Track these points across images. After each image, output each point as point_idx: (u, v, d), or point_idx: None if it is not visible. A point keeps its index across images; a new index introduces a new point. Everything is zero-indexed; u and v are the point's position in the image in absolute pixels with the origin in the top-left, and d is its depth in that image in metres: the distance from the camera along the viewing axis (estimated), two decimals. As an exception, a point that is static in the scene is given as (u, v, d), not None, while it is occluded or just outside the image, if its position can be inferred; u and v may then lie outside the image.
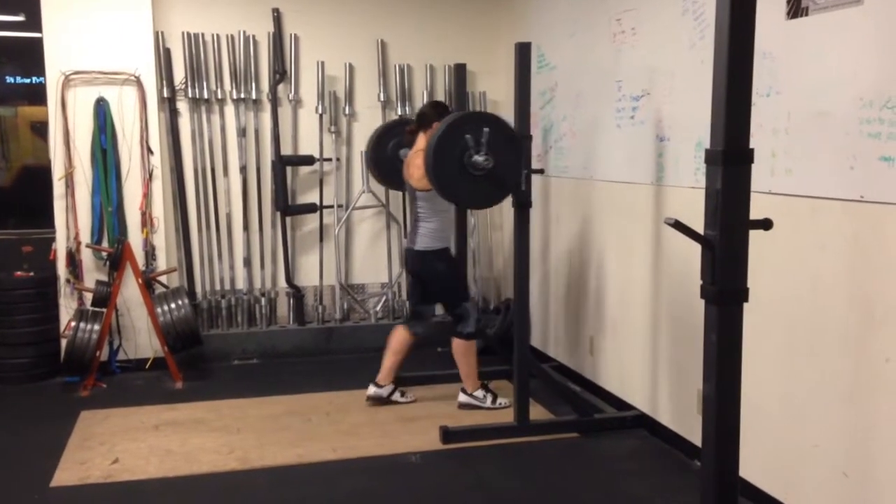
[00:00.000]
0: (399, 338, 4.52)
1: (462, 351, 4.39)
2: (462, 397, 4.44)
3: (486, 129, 3.72)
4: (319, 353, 5.64)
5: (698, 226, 2.16)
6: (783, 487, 3.11)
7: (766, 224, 2.10)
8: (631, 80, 4.13)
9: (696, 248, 2.24)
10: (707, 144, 3.42)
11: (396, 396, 4.54)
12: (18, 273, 5.07)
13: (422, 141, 4.18)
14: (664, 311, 3.93)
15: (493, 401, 4.42)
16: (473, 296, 4.49)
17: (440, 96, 5.84)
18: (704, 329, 2.13)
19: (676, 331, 3.83)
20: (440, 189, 3.89)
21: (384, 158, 4.83)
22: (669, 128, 3.80)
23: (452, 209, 4.45)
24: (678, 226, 2.10)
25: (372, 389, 4.50)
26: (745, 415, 2.28)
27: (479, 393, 4.43)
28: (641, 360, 4.14)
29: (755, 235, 2.13)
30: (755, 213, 2.19)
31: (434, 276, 4.35)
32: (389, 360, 4.51)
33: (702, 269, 2.10)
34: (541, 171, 4.81)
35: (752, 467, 3.14)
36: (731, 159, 2.02)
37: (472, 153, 3.73)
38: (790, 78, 2.98)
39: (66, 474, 3.63)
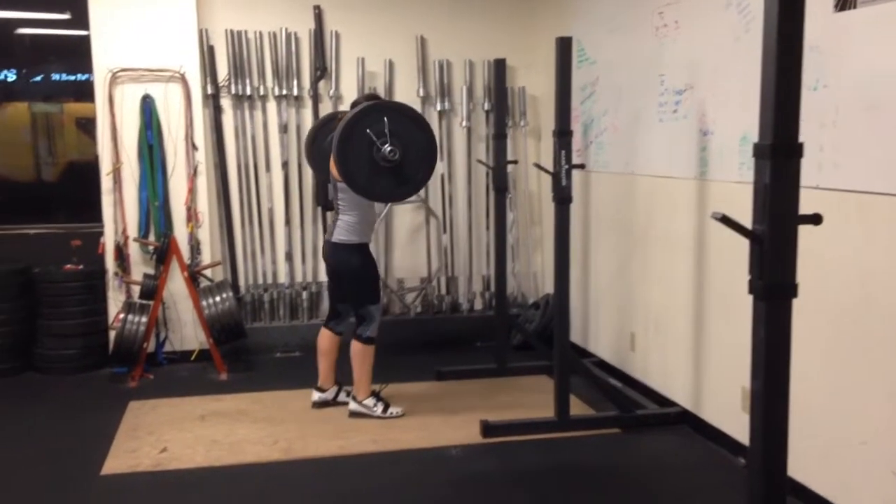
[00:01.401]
0: (325, 339, 4.38)
1: (360, 355, 4.20)
2: (352, 405, 4.26)
3: (385, 119, 3.67)
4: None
5: (743, 221, 2.14)
6: (830, 485, 3.08)
7: (815, 219, 2.08)
8: (674, 74, 4.10)
9: (741, 244, 2.23)
10: (752, 138, 3.42)
11: (342, 397, 4.40)
12: (68, 266, 5.20)
13: None
14: (708, 306, 3.90)
15: (385, 409, 4.23)
16: (384, 302, 4.27)
17: (479, 91, 5.85)
18: (752, 325, 2.11)
19: (721, 326, 3.80)
20: (357, 189, 3.85)
21: (321, 151, 4.47)
22: (713, 122, 3.77)
23: (374, 205, 4.28)
24: (725, 220, 2.08)
25: (316, 395, 4.40)
26: (792, 411, 2.25)
27: (370, 401, 4.23)
28: (685, 355, 4.11)
29: (802, 230, 2.11)
30: (801, 208, 2.16)
31: (346, 270, 4.16)
32: (323, 364, 4.38)
33: (750, 265, 2.08)
34: (581, 167, 4.80)
35: (799, 465, 3.10)
36: (780, 153, 2.01)
37: (378, 146, 3.69)
38: (838, 71, 2.94)
39: (116, 462, 3.72)
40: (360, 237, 4.14)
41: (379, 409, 4.23)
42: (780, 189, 2.02)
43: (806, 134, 2.04)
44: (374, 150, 3.73)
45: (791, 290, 2.07)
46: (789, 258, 2.05)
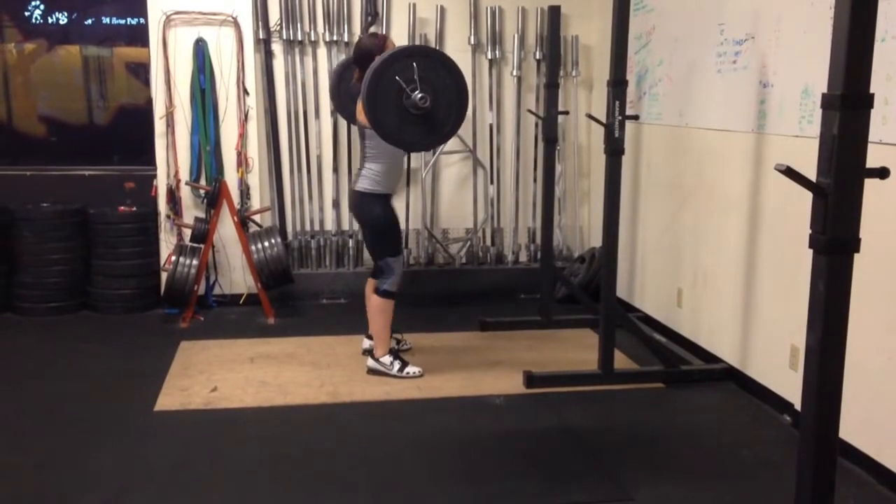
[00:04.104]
0: (371, 289, 4.24)
1: (377, 308, 4.09)
2: (369, 361, 4.17)
3: (413, 64, 3.52)
4: (404, 295, 5.67)
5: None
6: (877, 446, 3.04)
7: (882, 172, 2.01)
8: (734, 24, 3.98)
9: (797, 199, 2.18)
10: (814, 91, 3.33)
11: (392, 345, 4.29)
12: (122, 208, 5.30)
13: None
14: (759, 262, 3.84)
15: (401, 368, 4.11)
16: (404, 256, 4.04)
17: (531, 40, 5.76)
18: (811, 279, 2.07)
19: (771, 283, 3.74)
20: (387, 138, 3.70)
21: (348, 93, 4.39)
22: (774, 73, 3.66)
23: (402, 154, 4.13)
24: (789, 172, 2.03)
25: (367, 343, 4.38)
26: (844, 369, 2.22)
27: (387, 359, 4.11)
28: (732, 312, 4.07)
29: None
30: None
31: (368, 219, 4.04)
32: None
33: (812, 219, 2.03)
34: (635, 118, 4.72)
35: (846, 424, 3.07)
36: (849, 103, 1.94)
37: (408, 93, 3.56)
38: (912, 21, 2.82)
39: (168, 399, 3.83)
40: (385, 188, 4.01)
41: (396, 367, 4.12)
42: (848, 141, 1.96)
43: (871, 87, 1.97)
44: (404, 97, 3.59)
45: (854, 244, 2.02)
46: (854, 212, 1.99)
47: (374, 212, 4.01)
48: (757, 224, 3.84)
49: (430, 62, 3.65)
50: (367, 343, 4.43)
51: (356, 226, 5.72)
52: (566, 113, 5.52)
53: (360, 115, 3.86)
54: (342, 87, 4.45)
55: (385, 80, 3.57)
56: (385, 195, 4.03)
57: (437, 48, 3.64)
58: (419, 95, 3.57)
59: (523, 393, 3.96)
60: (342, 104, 4.54)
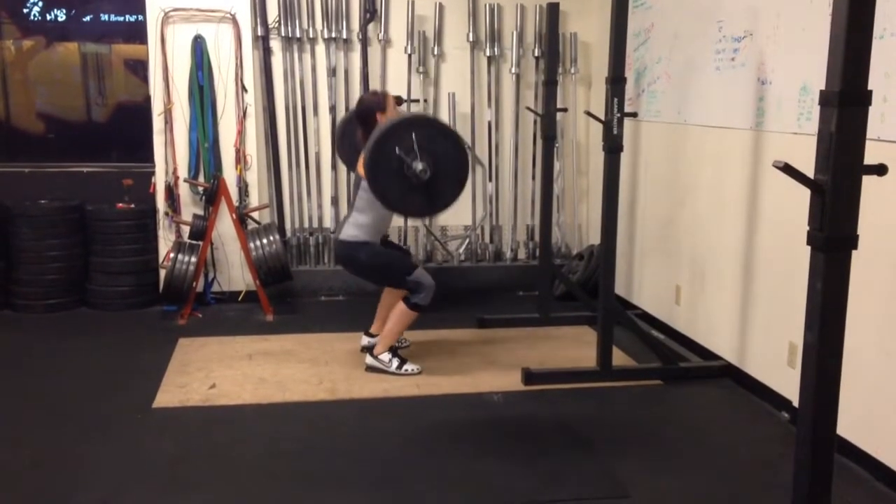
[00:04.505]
0: (388, 292, 4.37)
1: (399, 315, 4.09)
2: (368, 359, 4.18)
3: (413, 135, 3.58)
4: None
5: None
6: (875, 443, 3.05)
7: (880, 169, 2.01)
8: (732, 21, 3.98)
9: (795, 197, 2.18)
10: (812, 88, 3.33)
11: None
12: (120, 205, 5.30)
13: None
14: (757, 260, 3.84)
15: (400, 366, 4.12)
16: (421, 268, 4.07)
17: (530, 37, 5.75)
18: (809, 277, 2.07)
19: (769, 281, 3.74)
20: (389, 207, 3.76)
21: (352, 146, 4.37)
22: (772, 71, 3.66)
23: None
24: (787, 169, 2.03)
25: (365, 340, 4.42)
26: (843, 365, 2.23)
27: (385, 356, 4.13)
28: (730, 309, 4.07)
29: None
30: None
31: (357, 266, 4.10)
32: (381, 311, 4.38)
33: (810, 216, 2.03)
34: (634, 115, 4.72)
35: (844, 420, 3.08)
36: (847, 100, 1.94)
37: (409, 163, 3.60)
38: (910, 18, 2.82)
39: (166, 396, 3.83)
40: (370, 237, 4.03)
41: (394, 364, 4.12)
42: (846, 138, 1.96)
43: (870, 84, 1.97)
44: (405, 167, 3.63)
45: (851, 241, 2.02)
46: (852, 209, 1.99)
47: (361, 258, 4.04)
48: (755, 221, 3.84)
49: (429, 132, 3.69)
50: (365, 340, 4.43)
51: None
52: (565, 110, 5.53)
53: (360, 167, 3.90)
54: (345, 140, 4.49)
55: (386, 150, 3.61)
56: (369, 242, 4.04)
57: (435, 117, 3.64)
58: (420, 167, 3.61)
59: (521, 390, 3.96)
60: (344, 154, 4.57)
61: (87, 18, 5.59)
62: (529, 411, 3.73)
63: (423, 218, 3.80)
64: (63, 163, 5.47)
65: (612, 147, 3.96)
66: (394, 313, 4.13)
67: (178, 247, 5.04)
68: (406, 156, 3.60)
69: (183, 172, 5.28)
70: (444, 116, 5.69)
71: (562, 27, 5.54)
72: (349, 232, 4.03)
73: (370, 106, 4.08)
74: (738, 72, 3.93)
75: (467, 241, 5.91)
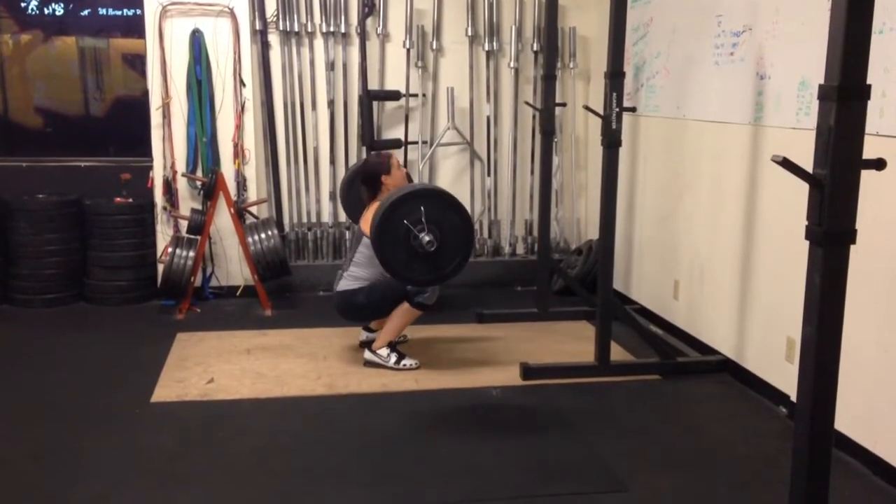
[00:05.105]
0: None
1: (402, 312, 4.10)
2: (367, 353, 4.20)
3: (421, 208, 3.63)
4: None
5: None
6: (873, 437, 3.05)
7: (879, 164, 2.01)
8: (732, 15, 3.98)
9: (793, 192, 2.18)
10: (811, 83, 3.33)
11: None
12: (118, 199, 5.29)
13: (383, 193, 4.15)
14: (756, 255, 3.84)
15: (398, 361, 4.13)
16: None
17: (529, 31, 5.74)
18: (807, 271, 2.07)
19: (768, 275, 3.74)
20: (394, 275, 3.78)
21: (359, 200, 4.44)
22: (771, 65, 3.65)
23: None
24: (786, 164, 2.03)
25: (364, 335, 4.47)
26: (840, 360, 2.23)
27: (384, 351, 4.14)
28: (729, 304, 4.07)
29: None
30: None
31: (358, 311, 4.21)
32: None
33: (808, 210, 2.03)
34: (633, 110, 4.71)
35: (842, 415, 3.08)
36: (846, 95, 1.93)
37: (416, 234, 3.63)
38: (909, 13, 2.82)
39: (165, 391, 3.83)
40: (366, 286, 4.14)
41: (392, 359, 4.14)
42: (845, 132, 1.95)
43: (869, 79, 1.97)
44: (412, 237, 3.66)
45: (850, 236, 2.02)
46: (851, 204, 1.99)
47: (359, 301, 4.14)
48: (754, 216, 3.84)
49: (438, 203, 3.72)
50: (364, 335, 4.43)
51: (353, 218, 5.72)
52: (563, 105, 5.52)
53: (365, 224, 4.00)
54: (351, 194, 4.58)
55: (395, 219, 3.65)
56: (365, 287, 4.14)
57: (443, 189, 3.70)
58: (427, 239, 3.64)
59: (520, 385, 3.96)
60: (349, 207, 4.68)
61: (85, 12, 5.57)
62: (528, 406, 3.73)
63: (425, 286, 3.91)
64: (61, 157, 5.46)
65: (611, 142, 3.95)
66: (396, 311, 4.13)
67: (177, 241, 5.04)
68: (414, 227, 3.65)
69: (181, 167, 5.27)
70: (443, 112, 5.68)
71: (561, 21, 5.52)
72: (348, 284, 4.16)
73: (375, 168, 4.20)
74: (737, 66, 3.92)
75: (466, 235, 5.89)
